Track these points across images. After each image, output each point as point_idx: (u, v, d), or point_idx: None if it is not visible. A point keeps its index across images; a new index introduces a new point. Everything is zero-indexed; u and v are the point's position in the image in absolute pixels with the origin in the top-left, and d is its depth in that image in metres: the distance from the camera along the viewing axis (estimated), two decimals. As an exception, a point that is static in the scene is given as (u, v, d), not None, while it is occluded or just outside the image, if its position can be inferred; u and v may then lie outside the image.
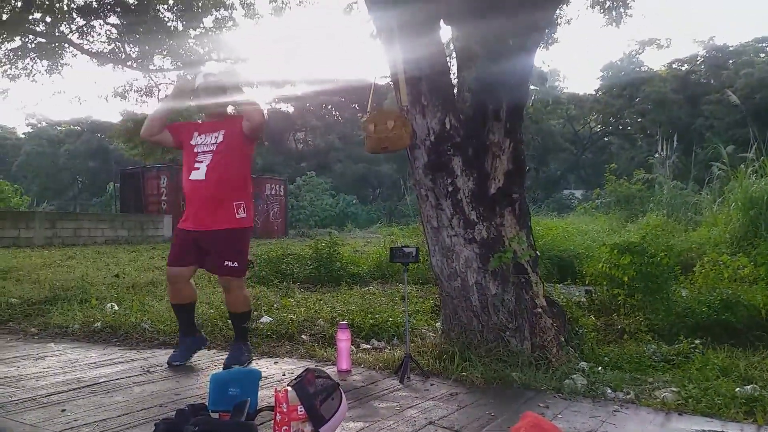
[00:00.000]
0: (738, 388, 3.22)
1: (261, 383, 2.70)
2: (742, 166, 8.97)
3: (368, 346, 4.27)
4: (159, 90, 16.19)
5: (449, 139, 3.74)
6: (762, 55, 23.52)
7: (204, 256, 3.61)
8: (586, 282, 5.76)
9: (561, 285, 6.31)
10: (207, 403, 2.44)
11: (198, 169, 3.53)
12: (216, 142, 3.59)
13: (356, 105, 31.17)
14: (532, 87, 23.41)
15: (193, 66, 13.91)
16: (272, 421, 2.21)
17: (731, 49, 23.91)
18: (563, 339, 3.60)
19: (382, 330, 4.59)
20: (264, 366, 3.64)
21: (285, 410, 2.13)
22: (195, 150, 3.62)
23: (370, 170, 27.42)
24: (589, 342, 4.03)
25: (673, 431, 2.64)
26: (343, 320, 3.91)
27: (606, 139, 25.06)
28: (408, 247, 3.59)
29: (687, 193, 11.24)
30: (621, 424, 2.68)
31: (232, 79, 4.08)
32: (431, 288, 6.51)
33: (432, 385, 3.22)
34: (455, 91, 4.01)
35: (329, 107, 34.05)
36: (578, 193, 20.88)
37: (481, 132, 3.83)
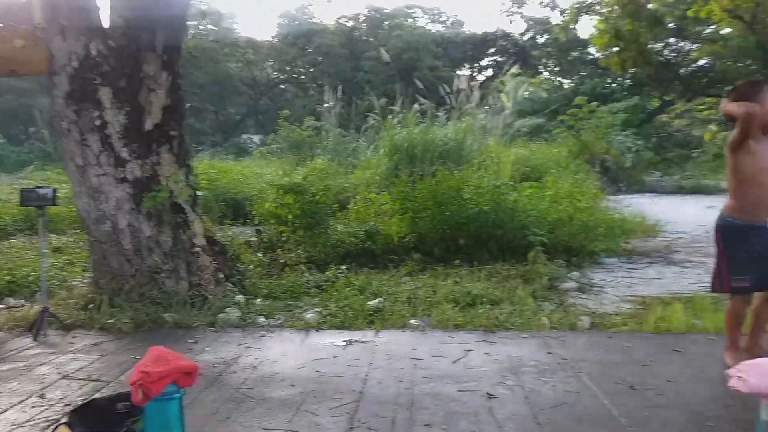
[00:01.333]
0: (369, 302, 3.79)
1: None
2: (390, 117, 10.20)
3: (1, 306, 3.69)
4: None
5: (96, 67, 3.37)
6: (410, 20, 27.26)
7: None
8: (256, 221, 5.96)
9: (235, 225, 6.42)
10: None
11: None
12: None
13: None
14: (209, 27, 22.64)
15: None
16: None
17: (387, 11, 26.99)
18: (223, 276, 3.67)
19: (21, 287, 4.01)
20: None
21: None
22: None
23: (20, 103, 23.04)
24: (252, 277, 4.23)
25: (309, 345, 2.96)
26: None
27: (282, 86, 25.97)
28: (43, 188, 3.15)
29: (348, 140, 12.42)
30: (265, 346, 2.90)
31: None
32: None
33: (74, 337, 2.97)
34: (106, 15, 3.59)
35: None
36: (256, 138, 21.25)
37: (135, 63, 3.53)
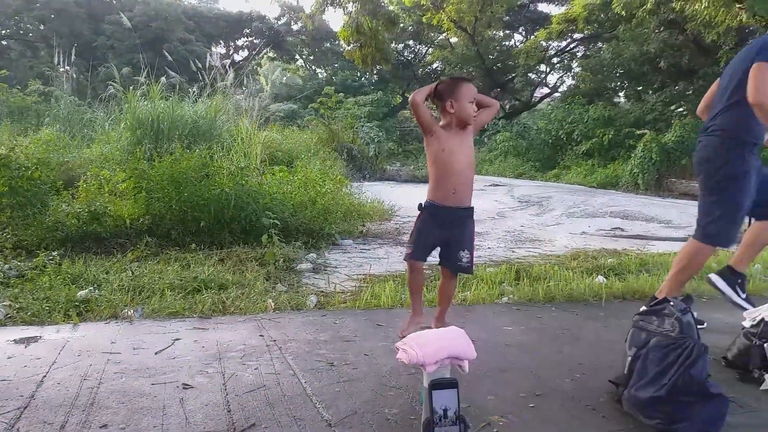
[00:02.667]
0: (80, 292, 3.37)
1: None
2: (132, 88, 9.37)
3: None
4: None
5: None
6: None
7: None
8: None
9: None
10: None
11: None
12: None
13: None
14: None
15: None
16: None
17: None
18: None
19: None
20: None
21: None
22: None
23: None
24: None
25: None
26: None
27: (5, 42, 22.07)
28: None
29: (84, 110, 11.08)
30: None
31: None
32: None
33: None
34: None
35: None
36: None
37: None
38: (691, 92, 16.97)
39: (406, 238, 6.55)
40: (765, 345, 2.39)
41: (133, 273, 3.98)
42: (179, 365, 2.34)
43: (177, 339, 2.67)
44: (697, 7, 11.56)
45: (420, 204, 2.85)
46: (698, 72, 16.80)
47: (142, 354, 2.46)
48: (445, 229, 2.80)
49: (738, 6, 11.41)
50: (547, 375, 2.39)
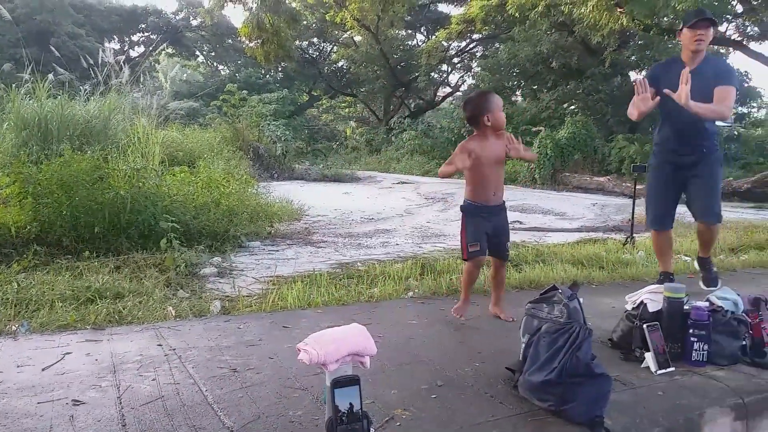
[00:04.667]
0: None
1: None
2: (15, 86, 8.70)
3: None
4: None
5: None
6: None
7: None
8: None
9: None
10: None
11: None
12: None
13: None
14: None
15: None
16: None
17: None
18: None
19: None
20: None
21: None
22: None
23: None
24: None
25: None
26: None
27: None
28: None
29: (-42, 110, 10.15)
30: None
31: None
32: None
33: None
34: None
35: None
36: None
37: None
38: (581, 91, 18.08)
39: (315, 237, 6.54)
40: (644, 326, 2.59)
41: (19, 285, 3.70)
42: (69, 381, 2.20)
43: (67, 353, 2.51)
44: (583, 10, 12.32)
45: (463, 206, 3.25)
46: (586, 72, 17.93)
47: (28, 371, 2.29)
48: (492, 225, 3.18)
49: (619, 10, 12.29)
50: (449, 366, 2.47)
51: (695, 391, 2.30)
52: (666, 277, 3.99)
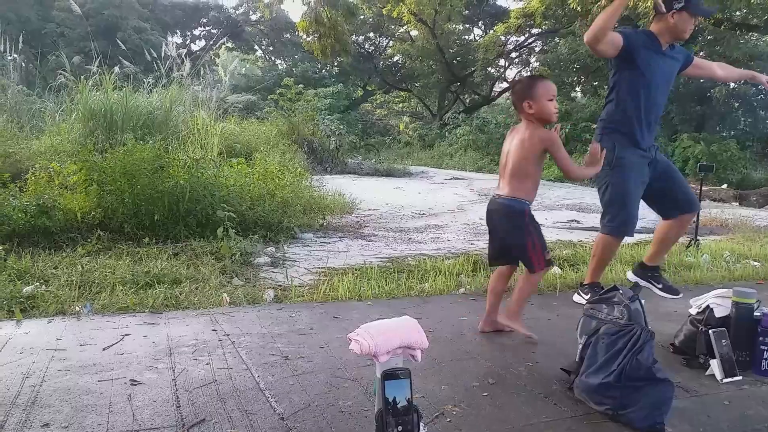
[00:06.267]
0: (26, 288, 3.25)
1: None
2: (83, 78, 9.08)
3: None
4: None
5: None
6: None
7: None
8: None
9: None
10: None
11: None
12: None
13: None
14: None
15: None
16: None
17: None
18: None
19: None
20: None
21: None
22: None
23: None
24: None
25: None
26: None
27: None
28: None
29: (33, 100, 10.68)
30: None
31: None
32: None
33: None
34: None
35: None
36: None
37: None
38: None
39: (366, 231, 6.55)
40: (710, 331, 2.46)
41: (83, 268, 3.86)
42: (128, 361, 2.27)
43: (126, 335, 2.59)
44: (648, 3, 11.85)
45: (524, 209, 2.73)
46: (651, 67, 17.23)
47: (89, 350, 2.38)
48: None
49: (688, 3, 11.74)
50: (501, 363, 2.41)
51: (764, 401, 2.16)
52: (599, 288, 3.41)
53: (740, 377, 2.35)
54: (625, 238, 3.45)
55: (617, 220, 3.24)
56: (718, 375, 2.37)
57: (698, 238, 5.88)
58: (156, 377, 2.12)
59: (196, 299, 3.31)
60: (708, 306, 2.62)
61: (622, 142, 3.20)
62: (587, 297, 3.39)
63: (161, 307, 3.15)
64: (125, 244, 4.74)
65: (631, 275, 3.61)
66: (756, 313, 2.50)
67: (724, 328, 2.47)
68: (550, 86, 2.75)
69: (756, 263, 5.13)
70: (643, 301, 2.21)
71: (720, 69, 3.55)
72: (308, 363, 2.31)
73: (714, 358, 2.41)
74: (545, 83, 2.74)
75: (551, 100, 2.71)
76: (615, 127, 3.25)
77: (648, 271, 3.53)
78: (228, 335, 2.62)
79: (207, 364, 2.26)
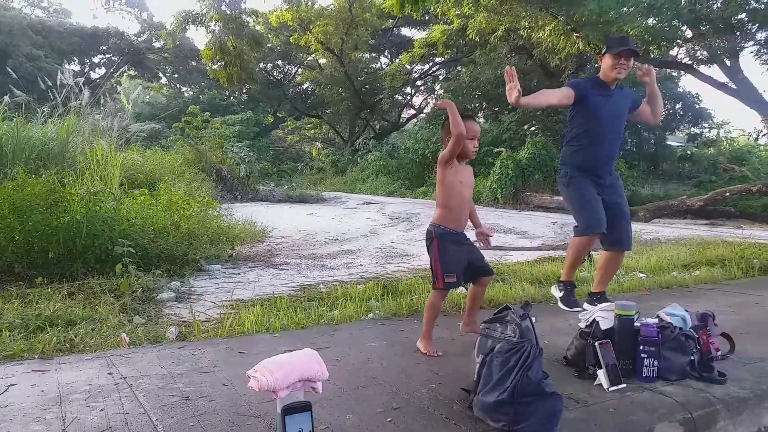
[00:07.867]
0: None
1: None
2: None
3: None
4: None
5: None
6: (0, -1, 23.46)
7: None
8: None
9: None
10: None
11: None
12: None
13: None
14: None
15: None
16: None
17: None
18: None
19: None
20: None
21: None
22: None
23: None
24: None
25: None
26: None
27: None
28: None
29: None
30: None
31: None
32: None
33: None
34: None
35: None
36: None
37: None
38: (540, 112, 18.48)
39: (278, 259, 6.48)
40: (596, 344, 2.64)
41: (-35, 314, 3.57)
42: (12, 414, 2.12)
43: (11, 385, 2.42)
44: (540, 35, 12.68)
45: (431, 232, 3.12)
46: (546, 94, 18.33)
47: (-32, 406, 2.21)
48: (467, 253, 3.12)
49: (575, 35, 12.68)
50: (405, 388, 2.47)
51: (646, 406, 2.34)
52: (573, 287, 3.86)
53: (625, 384, 2.53)
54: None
55: (585, 222, 3.61)
56: (605, 384, 2.54)
57: (592, 253, 6.27)
58: (43, 429, 2.00)
59: (92, 341, 3.15)
60: (594, 319, 2.82)
61: (574, 169, 3.71)
62: (560, 295, 3.84)
63: (53, 352, 2.97)
64: (15, 285, 4.43)
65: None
66: (636, 324, 2.72)
67: (609, 339, 2.66)
68: (471, 126, 3.07)
69: (642, 275, 5.54)
70: (533, 319, 2.34)
71: (645, 105, 3.80)
72: (210, 402, 2.26)
73: (601, 368, 2.58)
74: (468, 123, 3.04)
75: (472, 139, 3.05)
76: (569, 160, 3.76)
77: (594, 296, 3.81)
78: (125, 378, 2.51)
79: (101, 410, 2.16)
